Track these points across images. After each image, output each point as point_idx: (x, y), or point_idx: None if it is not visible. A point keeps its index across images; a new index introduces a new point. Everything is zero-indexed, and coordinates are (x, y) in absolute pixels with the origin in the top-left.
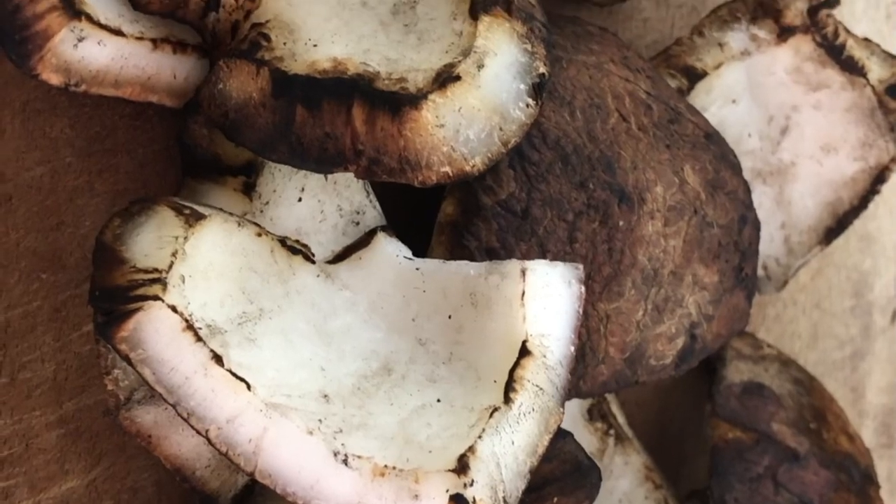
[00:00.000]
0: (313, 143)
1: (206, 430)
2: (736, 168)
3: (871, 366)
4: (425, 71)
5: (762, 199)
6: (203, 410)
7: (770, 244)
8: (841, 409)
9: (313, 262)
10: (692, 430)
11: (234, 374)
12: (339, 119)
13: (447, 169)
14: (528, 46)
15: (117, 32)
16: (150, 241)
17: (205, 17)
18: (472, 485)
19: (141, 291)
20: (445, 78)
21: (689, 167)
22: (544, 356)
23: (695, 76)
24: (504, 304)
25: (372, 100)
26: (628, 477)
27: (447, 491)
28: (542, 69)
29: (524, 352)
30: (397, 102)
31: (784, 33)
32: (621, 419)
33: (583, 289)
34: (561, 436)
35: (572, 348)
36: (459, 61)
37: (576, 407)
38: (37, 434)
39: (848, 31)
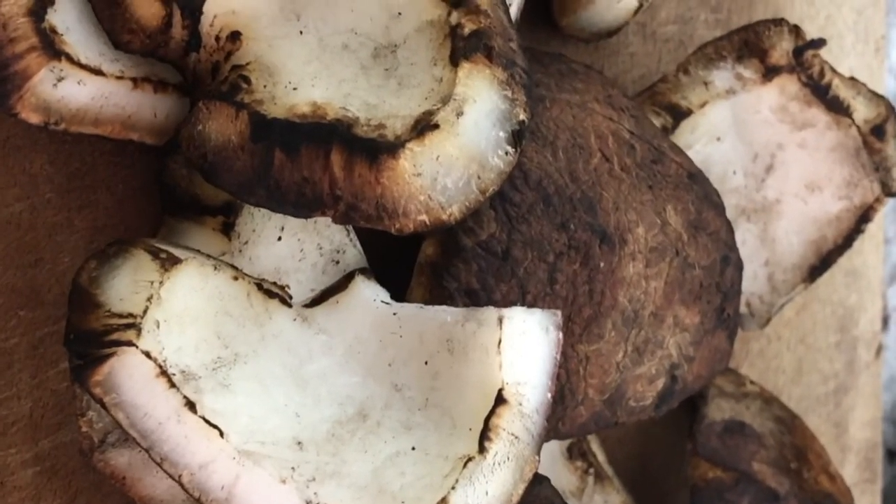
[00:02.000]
0: (291, 187)
1: (180, 476)
2: (719, 208)
3: (855, 400)
4: (404, 118)
5: (746, 237)
6: (176, 456)
7: (754, 281)
8: (822, 448)
9: (290, 306)
10: (673, 467)
11: (207, 421)
12: (317, 164)
13: (424, 217)
14: (509, 93)
15: (97, 72)
16: (125, 286)
17: (186, 57)
18: None
19: (115, 336)
20: (424, 126)
21: (672, 208)
22: (520, 404)
23: (679, 114)
24: (480, 352)
25: (350, 146)
26: None
27: None
28: (521, 116)
29: (500, 400)
30: (375, 150)
31: (770, 73)
32: (601, 457)
33: (560, 335)
34: (537, 481)
35: (549, 395)
36: (438, 108)
37: (556, 445)
38: (12, 472)
39: (834, 71)
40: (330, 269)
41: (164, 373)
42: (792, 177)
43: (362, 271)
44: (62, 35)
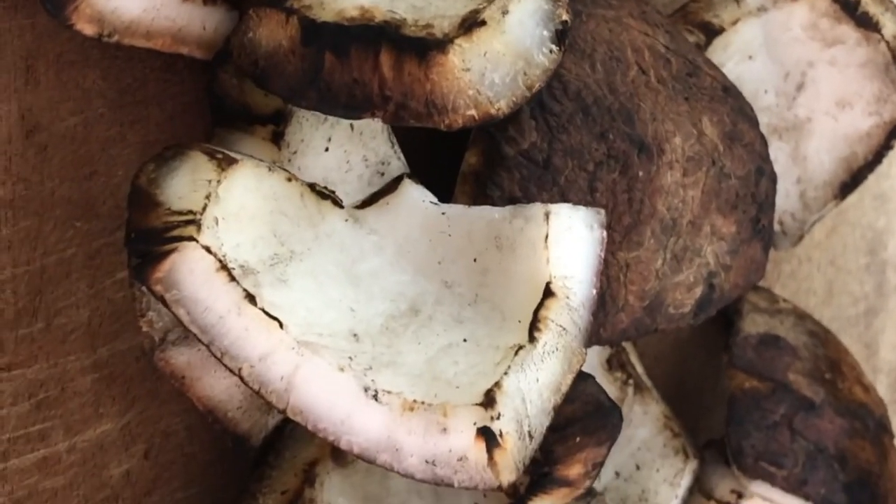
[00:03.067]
0: (342, 89)
1: (240, 369)
2: (752, 121)
3: (885, 322)
4: (451, 17)
5: (778, 155)
6: (236, 349)
7: (786, 199)
8: (856, 361)
9: (342, 207)
10: (709, 383)
11: (266, 313)
12: (366, 65)
13: (473, 112)
14: None
15: None
16: (184, 185)
17: None
18: (498, 418)
19: (176, 233)
20: (471, 23)
21: (707, 119)
22: (567, 297)
23: (712, 32)
24: (528, 247)
25: (399, 45)
26: (647, 425)
27: (474, 424)
28: (564, 16)
29: (548, 293)
30: (424, 47)
31: None
32: (640, 369)
33: (604, 233)
34: (583, 378)
35: (594, 290)
36: (484, 7)
37: (595, 357)
38: (72, 378)
39: None
40: (375, 181)
41: (224, 267)
42: (822, 94)
43: (409, 175)
44: None
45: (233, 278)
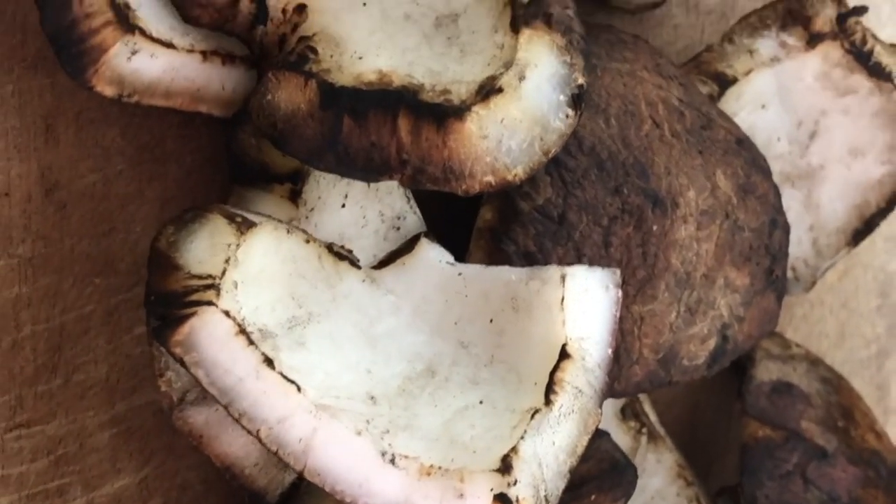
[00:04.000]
0: (360, 152)
1: (258, 430)
2: (766, 172)
3: None
4: (468, 83)
5: (791, 203)
6: (255, 411)
7: (799, 246)
8: (868, 408)
9: (359, 268)
10: (722, 429)
11: (284, 377)
12: (384, 129)
13: (490, 178)
14: (568, 58)
15: (169, 45)
16: (203, 249)
17: (253, 30)
18: (515, 484)
19: (195, 297)
20: (488, 90)
21: (721, 172)
22: (583, 359)
23: (725, 82)
24: (544, 309)
25: (417, 111)
26: (661, 475)
27: (492, 490)
28: (580, 80)
29: (564, 355)
30: (442, 114)
31: (813, 40)
32: (653, 417)
33: (620, 293)
34: (598, 435)
35: (610, 351)
36: (502, 73)
37: (609, 406)
38: (90, 433)
39: (875, 38)
40: (391, 236)
41: (242, 331)
42: (835, 143)
43: (426, 234)
44: (135, 10)
45: (251, 342)
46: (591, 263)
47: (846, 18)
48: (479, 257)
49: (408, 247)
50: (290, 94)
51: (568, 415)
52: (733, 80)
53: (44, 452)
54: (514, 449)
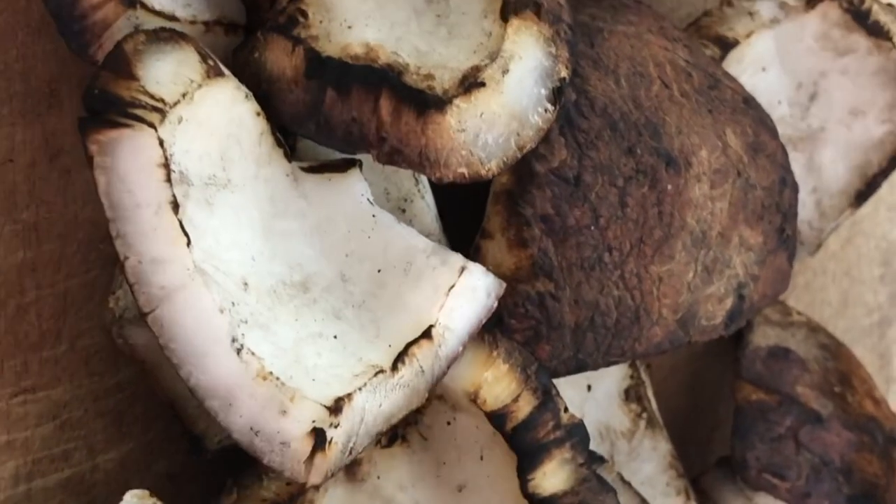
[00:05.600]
0: (340, 124)
1: (126, 257)
2: (773, 132)
3: None
4: (452, 70)
5: (793, 165)
6: (135, 240)
7: (802, 209)
8: (868, 374)
9: (289, 161)
10: (724, 396)
11: (181, 226)
12: (366, 106)
13: (464, 170)
14: (553, 50)
15: (171, 18)
16: (167, 72)
17: None
18: (336, 427)
19: (139, 112)
20: (471, 83)
21: (731, 131)
22: (440, 346)
23: (726, 45)
24: (431, 286)
25: (400, 94)
26: (654, 462)
27: (313, 422)
28: (563, 73)
29: (426, 334)
30: (423, 103)
31: (812, 0)
32: (654, 405)
33: (495, 304)
34: (605, 489)
35: (461, 349)
36: (486, 65)
37: (614, 385)
38: (95, 398)
39: None
40: (396, 217)
41: (166, 165)
42: (835, 104)
43: (360, 166)
44: None
45: (169, 179)
46: (609, 224)
47: None
48: (497, 221)
49: (341, 167)
50: (276, 57)
51: (403, 387)
52: (734, 43)
53: (49, 417)
54: (349, 396)
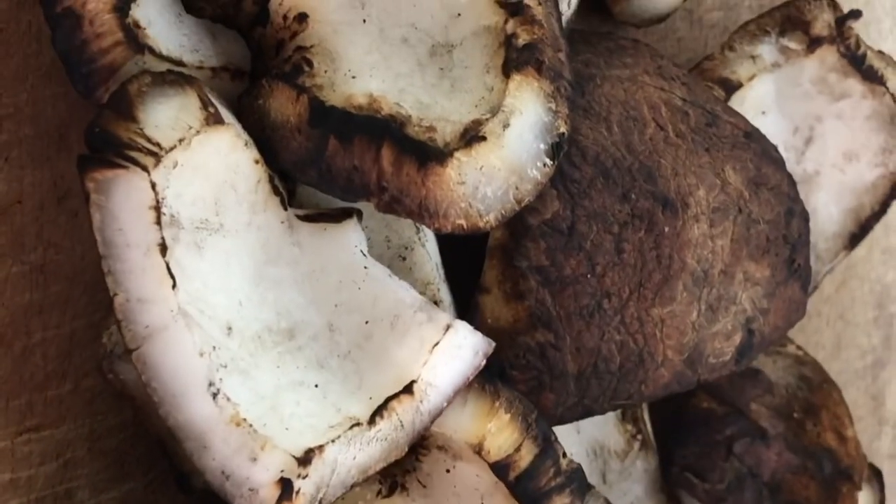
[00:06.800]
0: (341, 173)
1: (115, 294)
2: (779, 163)
3: (892, 375)
4: (454, 123)
5: None
6: (124, 279)
7: None
8: (847, 415)
9: (285, 209)
10: None
11: (168, 268)
12: (368, 155)
13: (462, 222)
14: (553, 105)
15: (178, 63)
16: (166, 117)
17: (253, 29)
18: (304, 477)
19: (135, 154)
20: (472, 137)
21: (730, 167)
22: (421, 401)
23: (731, 87)
24: (416, 342)
25: (401, 145)
26: (644, 483)
27: (282, 471)
28: (562, 128)
29: (408, 389)
30: (425, 155)
31: (813, 44)
32: (649, 428)
33: (483, 363)
34: None
35: (445, 405)
36: (487, 119)
37: None
38: (98, 438)
39: (867, 45)
40: (396, 265)
41: (157, 208)
42: (830, 148)
43: (360, 215)
44: (145, 29)
45: (159, 222)
46: (606, 270)
47: (844, 21)
48: (493, 275)
49: (337, 217)
50: (280, 105)
51: (381, 440)
52: (738, 85)
53: (53, 456)
54: (321, 447)
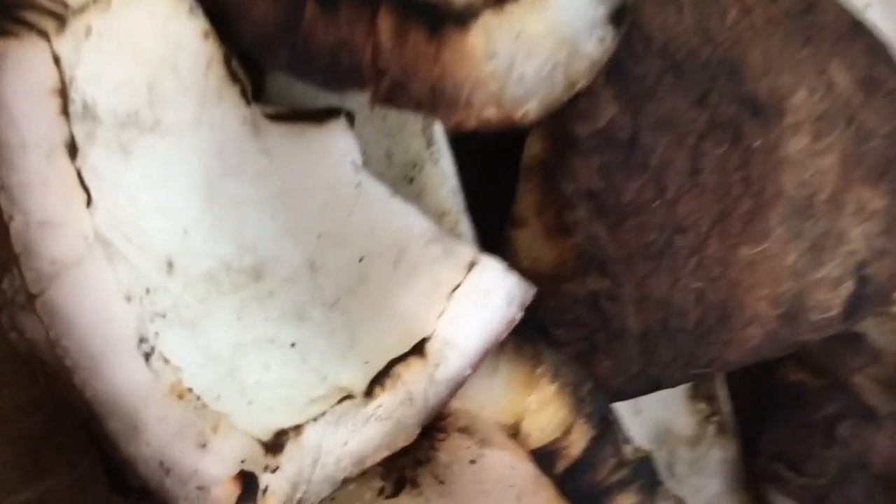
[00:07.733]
0: (323, 50)
1: (10, 216)
2: (892, 63)
3: None
4: None
5: None
6: (20, 194)
7: None
8: None
9: (248, 103)
10: None
11: (80, 177)
12: (359, 25)
13: (492, 112)
14: None
15: None
16: None
17: None
18: (273, 471)
19: (29, 17)
20: None
21: (836, 65)
22: (437, 366)
23: None
24: (429, 284)
25: (405, 8)
26: (722, 477)
27: (242, 462)
28: None
29: (418, 349)
30: (438, 17)
31: None
32: (728, 407)
33: (520, 315)
34: None
35: (469, 372)
36: None
37: None
38: (3, 421)
39: None
40: (401, 189)
41: (63, 92)
42: None
43: (350, 117)
44: None
45: (66, 112)
46: (679, 197)
47: None
48: (529, 203)
49: (320, 117)
50: None
51: (382, 419)
52: None
53: None
54: (297, 428)
